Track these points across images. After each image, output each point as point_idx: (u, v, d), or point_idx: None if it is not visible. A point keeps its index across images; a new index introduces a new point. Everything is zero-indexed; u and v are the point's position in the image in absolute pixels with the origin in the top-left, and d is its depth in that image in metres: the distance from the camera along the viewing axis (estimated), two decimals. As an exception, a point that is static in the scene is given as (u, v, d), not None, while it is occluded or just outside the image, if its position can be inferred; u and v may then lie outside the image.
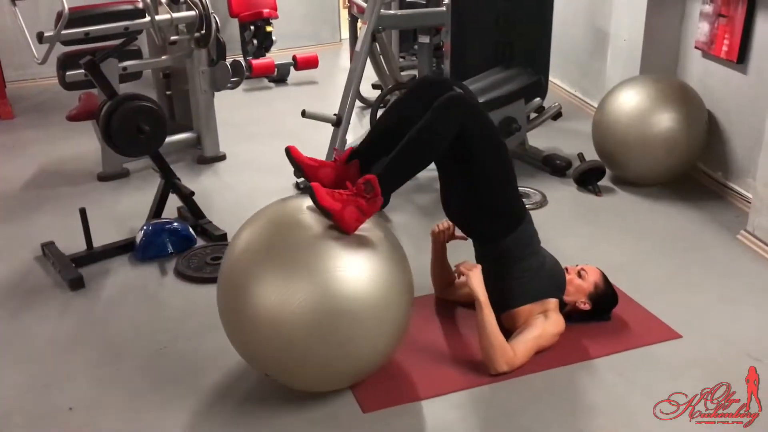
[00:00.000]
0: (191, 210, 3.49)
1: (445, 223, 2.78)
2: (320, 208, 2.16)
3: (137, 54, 4.26)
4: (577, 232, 3.49)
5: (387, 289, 2.19)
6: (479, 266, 2.51)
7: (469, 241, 2.68)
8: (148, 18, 3.90)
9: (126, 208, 3.80)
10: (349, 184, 2.25)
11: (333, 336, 2.12)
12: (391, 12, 4.53)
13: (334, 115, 3.83)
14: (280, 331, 2.11)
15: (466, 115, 2.37)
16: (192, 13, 4.08)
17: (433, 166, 2.48)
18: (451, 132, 2.34)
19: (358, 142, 2.52)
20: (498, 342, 2.40)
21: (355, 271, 2.13)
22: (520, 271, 2.54)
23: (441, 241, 2.79)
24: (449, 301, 2.88)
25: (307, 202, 2.23)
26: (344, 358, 2.18)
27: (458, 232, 2.73)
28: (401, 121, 2.42)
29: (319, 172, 2.36)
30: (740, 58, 3.56)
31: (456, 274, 2.63)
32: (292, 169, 3.87)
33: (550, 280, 2.61)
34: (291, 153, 2.39)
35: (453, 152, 2.43)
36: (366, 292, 2.13)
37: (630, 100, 3.78)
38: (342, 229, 2.17)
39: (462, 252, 2.71)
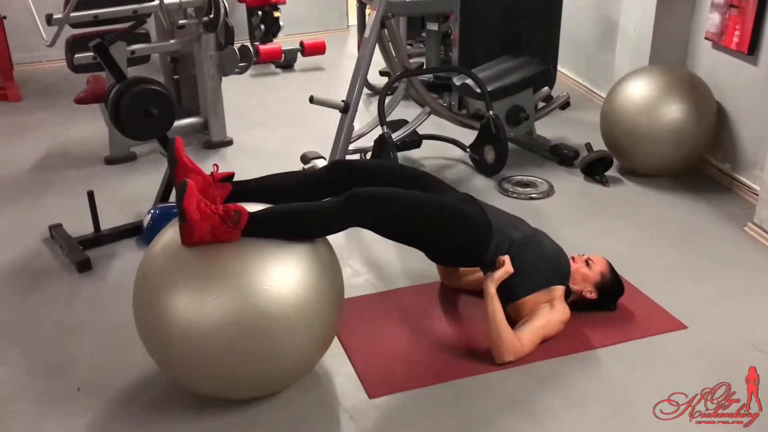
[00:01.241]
0: (198, 194, 3.49)
1: None
2: (179, 207, 2.07)
3: (145, 38, 4.25)
4: (583, 222, 3.49)
5: (306, 295, 2.11)
6: (509, 263, 2.48)
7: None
8: (156, 1, 3.89)
9: (133, 192, 3.81)
10: (218, 201, 2.20)
11: (248, 346, 2.05)
12: (400, -2, 4.51)
13: (342, 101, 3.82)
14: (194, 341, 2.04)
15: (370, 214, 2.33)
16: (201, -3, 4.07)
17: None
18: (342, 228, 2.34)
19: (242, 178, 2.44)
20: (505, 334, 2.41)
21: (274, 278, 2.06)
22: (518, 264, 2.51)
23: None
24: (454, 288, 2.89)
25: None
26: (261, 368, 2.12)
27: None
28: (297, 188, 2.43)
29: (189, 175, 2.25)
30: (751, 49, 3.53)
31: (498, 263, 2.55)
32: (298, 155, 3.90)
33: (552, 267, 2.61)
34: (175, 145, 2.32)
35: (384, 234, 2.44)
36: (284, 299, 2.06)
37: (638, 91, 3.76)
38: (183, 237, 2.09)
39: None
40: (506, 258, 2.48)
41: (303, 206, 2.27)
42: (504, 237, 2.54)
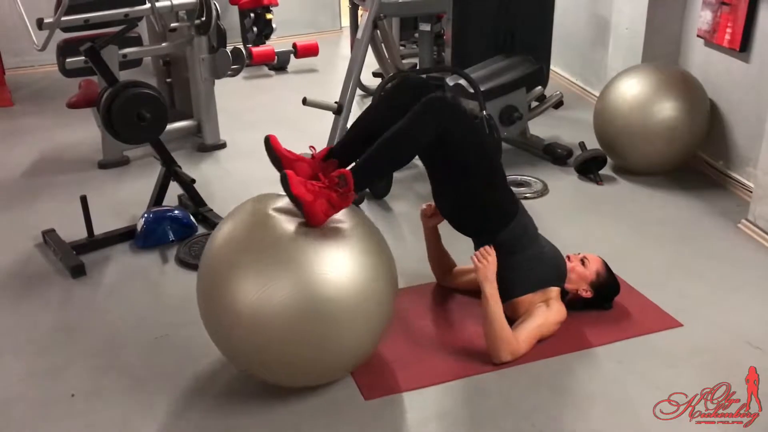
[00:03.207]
0: (192, 198, 3.49)
1: (426, 205, 2.78)
2: (291, 197, 2.15)
3: (137, 41, 4.24)
4: (578, 220, 3.49)
5: (366, 282, 2.15)
6: (493, 256, 2.47)
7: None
8: (148, 5, 3.88)
9: (127, 196, 3.80)
10: (322, 177, 2.23)
11: (313, 332, 2.08)
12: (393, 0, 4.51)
13: (335, 103, 3.82)
14: (260, 328, 2.08)
15: (445, 118, 2.36)
16: (192, 0, 4.06)
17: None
18: (428, 135, 2.34)
19: (336, 142, 2.51)
20: (504, 333, 2.41)
21: (334, 266, 2.10)
22: (518, 262, 2.54)
23: (427, 225, 2.80)
24: (450, 288, 2.88)
25: (285, 198, 2.22)
26: (326, 354, 2.15)
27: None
28: (380, 122, 2.41)
29: (295, 166, 2.32)
30: (743, 46, 3.54)
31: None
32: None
33: (550, 268, 2.61)
34: (270, 143, 2.37)
35: (436, 154, 2.44)
36: (345, 286, 2.10)
37: (631, 89, 3.77)
38: (310, 220, 2.15)
39: (460, 243, 2.71)
40: (482, 253, 2.46)
41: (386, 137, 2.31)
42: (521, 225, 2.57)
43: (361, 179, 2.26)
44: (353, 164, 2.32)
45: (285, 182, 2.16)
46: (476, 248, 2.64)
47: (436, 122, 2.34)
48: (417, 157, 2.51)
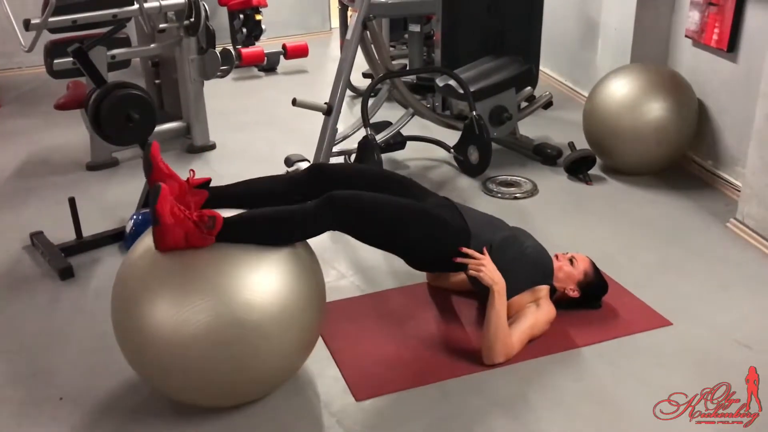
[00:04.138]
0: (181, 199, 3.47)
1: None
2: (152, 211, 2.06)
3: (126, 42, 4.22)
4: (567, 220, 3.50)
5: (287, 299, 2.09)
6: (487, 257, 2.46)
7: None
8: (136, 5, 3.86)
9: (115, 198, 3.78)
10: (194, 207, 2.17)
11: (226, 354, 2.02)
12: (382, 0, 4.51)
13: (325, 104, 3.81)
14: (172, 349, 2.01)
15: (345, 216, 2.30)
16: (181, 0, 4.04)
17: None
18: (318, 231, 2.28)
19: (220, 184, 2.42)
20: (504, 335, 2.40)
21: (250, 284, 2.04)
22: (499, 268, 2.47)
23: None
24: (441, 288, 2.88)
25: None
26: (241, 375, 2.09)
27: None
28: (274, 193, 2.40)
29: (165, 180, 2.22)
30: (730, 46, 3.56)
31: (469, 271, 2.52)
32: (282, 158, 3.89)
33: (534, 266, 2.60)
34: (151, 149, 2.29)
35: (360, 238, 2.41)
36: (260, 304, 2.04)
37: (620, 89, 3.78)
38: (155, 242, 2.07)
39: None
40: (476, 263, 2.44)
41: (278, 210, 2.24)
42: (482, 241, 2.53)
43: (230, 233, 2.11)
44: (232, 217, 2.16)
45: (155, 194, 2.07)
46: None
47: (331, 222, 2.28)
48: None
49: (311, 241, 2.34)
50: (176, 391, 2.18)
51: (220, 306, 2.01)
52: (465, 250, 2.47)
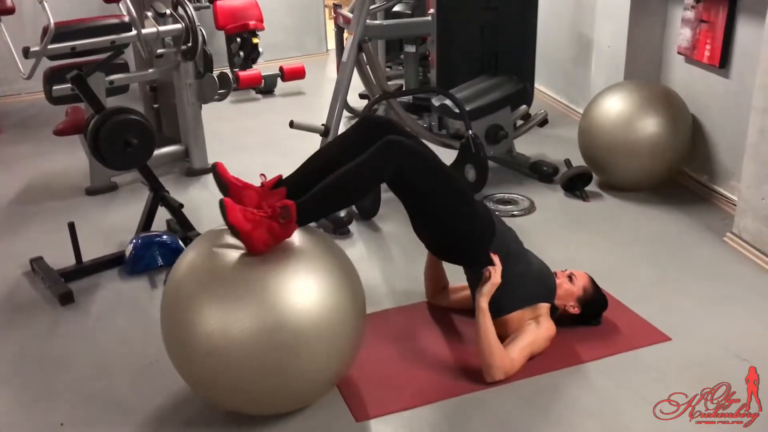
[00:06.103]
0: (180, 222, 3.49)
1: None
2: (228, 226, 2.10)
3: (124, 67, 4.25)
4: (565, 237, 3.51)
5: (331, 310, 2.13)
6: (500, 267, 2.49)
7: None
8: (134, 32, 3.90)
9: (115, 222, 3.79)
10: (265, 206, 2.21)
11: (275, 363, 2.06)
12: (377, 22, 4.55)
13: (322, 125, 3.84)
14: (220, 358, 2.05)
15: (400, 159, 2.34)
16: (178, 26, 4.09)
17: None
18: (381, 176, 2.34)
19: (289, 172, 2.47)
20: (497, 351, 2.41)
21: (297, 295, 2.08)
22: (505, 278, 2.52)
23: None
24: (441, 307, 2.89)
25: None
26: (289, 384, 2.13)
27: None
28: (335, 158, 2.41)
29: (242, 193, 2.29)
30: (722, 62, 3.60)
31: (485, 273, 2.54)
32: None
33: (538, 284, 2.62)
34: (217, 169, 2.34)
35: (400, 191, 2.44)
36: (308, 315, 2.08)
37: (615, 106, 3.81)
38: (249, 250, 2.13)
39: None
40: (493, 269, 2.48)
41: (337, 175, 2.29)
42: (503, 245, 2.56)
43: (306, 212, 2.22)
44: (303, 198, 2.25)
45: (222, 210, 2.11)
46: (466, 272, 2.67)
47: (390, 164, 2.32)
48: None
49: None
50: (225, 400, 2.22)
51: (263, 314, 2.05)
52: (494, 256, 2.50)
